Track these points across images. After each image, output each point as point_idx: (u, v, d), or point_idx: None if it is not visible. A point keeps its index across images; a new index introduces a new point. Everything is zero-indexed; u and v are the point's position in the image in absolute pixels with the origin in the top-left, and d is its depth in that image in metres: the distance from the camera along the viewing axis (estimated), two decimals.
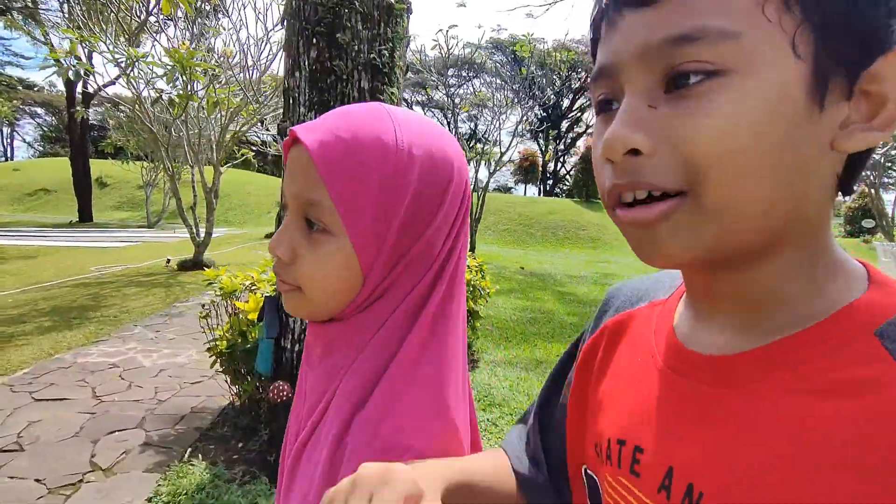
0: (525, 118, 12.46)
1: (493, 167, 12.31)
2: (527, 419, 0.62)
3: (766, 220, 0.33)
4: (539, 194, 31.68)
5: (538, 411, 0.60)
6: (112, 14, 6.48)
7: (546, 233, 16.97)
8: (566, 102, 32.77)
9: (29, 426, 2.91)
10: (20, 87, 34.61)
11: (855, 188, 0.37)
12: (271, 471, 2.47)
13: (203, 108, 6.52)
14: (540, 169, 30.23)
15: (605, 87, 0.37)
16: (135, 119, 8.10)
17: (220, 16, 8.16)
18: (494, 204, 18.11)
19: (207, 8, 7.50)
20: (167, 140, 7.72)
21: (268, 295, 2.53)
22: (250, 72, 6.93)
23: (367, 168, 0.47)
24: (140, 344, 4.48)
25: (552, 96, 17.68)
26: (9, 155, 46.61)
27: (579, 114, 33.64)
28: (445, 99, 12.89)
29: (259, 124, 8.70)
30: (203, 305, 3.10)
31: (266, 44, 6.96)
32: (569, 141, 34.72)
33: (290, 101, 2.52)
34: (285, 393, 2.33)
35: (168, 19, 7.21)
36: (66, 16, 10.43)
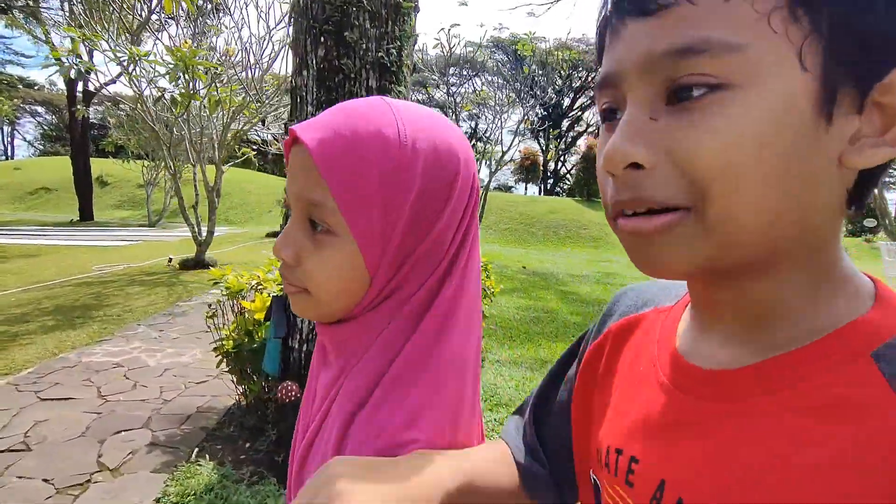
0: (526, 117, 12.46)
1: (494, 166, 12.31)
2: (523, 411, 0.62)
3: (770, 232, 0.33)
4: (540, 193, 31.68)
5: (534, 406, 0.61)
6: (114, 12, 6.47)
7: (548, 232, 16.96)
8: (567, 101, 32.76)
9: (35, 426, 2.91)
10: (21, 86, 34.61)
11: (866, 203, 0.36)
12: (279, 471, 2.46)
13: (205, 106, 6.50)
14: (541, 168, 30.26)
15: (609, 96, 0.37)
16: (136, 118, 8.10)
17: (221, 14, 8.16)
18: (496, 203, 18.12)
19: (209, 6, 7.49)
20: (169, 139, 7.71)
21: (275, 295, 2.52)
22: (252, 70, 6.92)
23: (367, 163, 0.45)
24: (144, 343, 4.48)
25: (553, 95, 17.68)
26: (9, 154, 46.72)
27: (580, 113, 33.67)
28: (446, 98, 12.88)
29: (261, 123, 8.68)
30: (209, 305, 3.09)
31: (268, 42, 6.93)
32: (570, 140, 34.72)
33: (298, 100, 2.51)
34: (294, 393, 2.33)
35: (170, 18, 7.19)
36: (68, 14, 10.43)
